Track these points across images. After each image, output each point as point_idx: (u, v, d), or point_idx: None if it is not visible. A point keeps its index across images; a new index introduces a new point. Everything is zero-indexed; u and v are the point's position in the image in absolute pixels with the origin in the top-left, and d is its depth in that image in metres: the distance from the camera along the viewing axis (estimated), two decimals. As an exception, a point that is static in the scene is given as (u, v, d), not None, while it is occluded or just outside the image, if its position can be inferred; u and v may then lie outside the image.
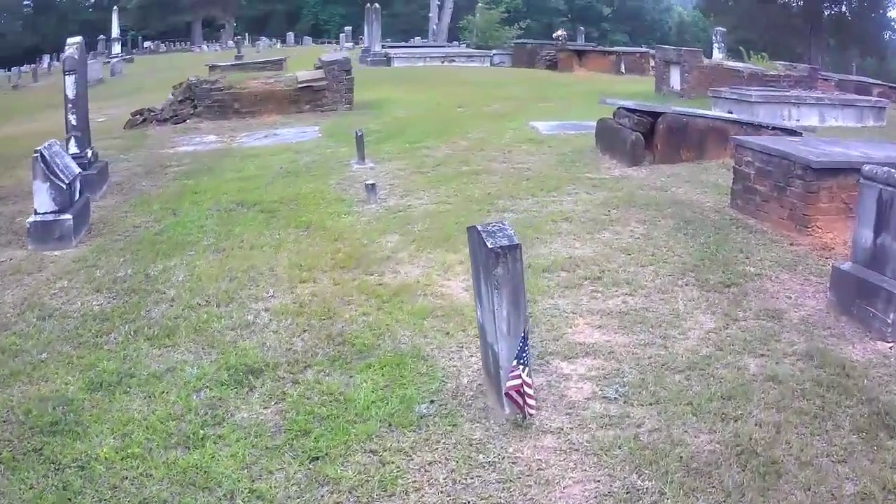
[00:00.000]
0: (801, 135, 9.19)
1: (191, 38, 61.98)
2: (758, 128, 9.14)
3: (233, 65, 24.45)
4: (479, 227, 3.48)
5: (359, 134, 9.31)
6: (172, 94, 14.69)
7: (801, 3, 38.87)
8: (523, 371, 3.23)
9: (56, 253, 6.75)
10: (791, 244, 6.14)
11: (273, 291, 5.43)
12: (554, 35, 24.63)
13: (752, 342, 4.45)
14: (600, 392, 3.85)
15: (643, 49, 24.11)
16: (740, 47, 17.65)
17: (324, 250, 6.22)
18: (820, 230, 6.24)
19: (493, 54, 25.63)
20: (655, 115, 8.61)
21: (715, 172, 8.43)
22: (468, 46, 28.31)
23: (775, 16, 39.77)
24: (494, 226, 3.50)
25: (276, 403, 3.97)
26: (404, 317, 4.78)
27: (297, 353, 4.43)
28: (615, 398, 3.79)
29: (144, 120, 14.25)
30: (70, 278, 6.09)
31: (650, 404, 3.74)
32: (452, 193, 7.74)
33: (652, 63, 22.12)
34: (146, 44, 58.68)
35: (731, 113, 9.16)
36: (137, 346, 4.80)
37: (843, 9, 40.58)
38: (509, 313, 3.36)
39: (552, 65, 22.50)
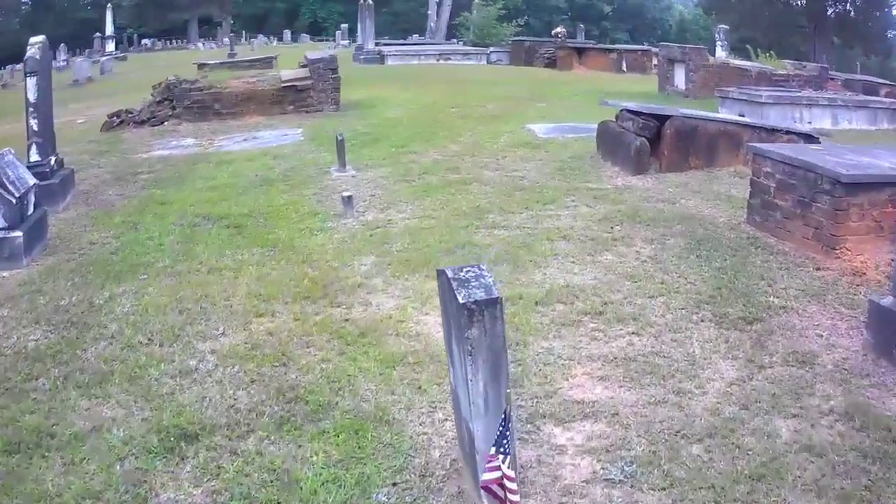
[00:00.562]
0: (818, 140, 8.49)
1: (187, 35, 61.46)
2: (772, 132, 8.43)
3: (222, 63, 23.78)
4: (450, 272, 2.78)
5: (339, 139, 8.61)
6: (152, 95, 14.00)
7: (804, 2, 38.04)
8: (504, 462, 2.53)
9: (5, 274, 6.07)
10: (817, 269, 5.44)
11: (224, 328, 4.72)
12: (553, 32, 23.80)
13: (782, 397, 3.75)
14: (602, 471, 3.14)
15: (645, 47, 23.34)
16: (747, 46, 16.93)
17: (288, 276, 5.51)
18: (849, 252, 5.53)
19: (491, 52, 24.84)
20: (662, 119, 7.90)
21: (727, 182, 7.73)
22: (465, 44, 27.48)
23: (778, 14, 39.01)
24: (469, 270, 2.79)
25: (208, 481, 3.26)
26: (370, 364, 4.07)
27: (240, 413, 3.72)
28: (620, 480, 3.09)
29: (122, 122, 13.54)
30: (12, 305, 5.41)
31: (663, 489, 3.03)
32: (438, 206, 7.03)
33: (654, 61, 21.40)
34: (144, 41, 58.13)
35: (744, 116, 8.45)
36: (66, 396, 4.11)
37: (848, 7, 39.76)
38: (487, 386, 2.66)
39: (551, 63, 21.75)
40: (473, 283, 2.68)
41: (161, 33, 62.15)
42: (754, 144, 6.43)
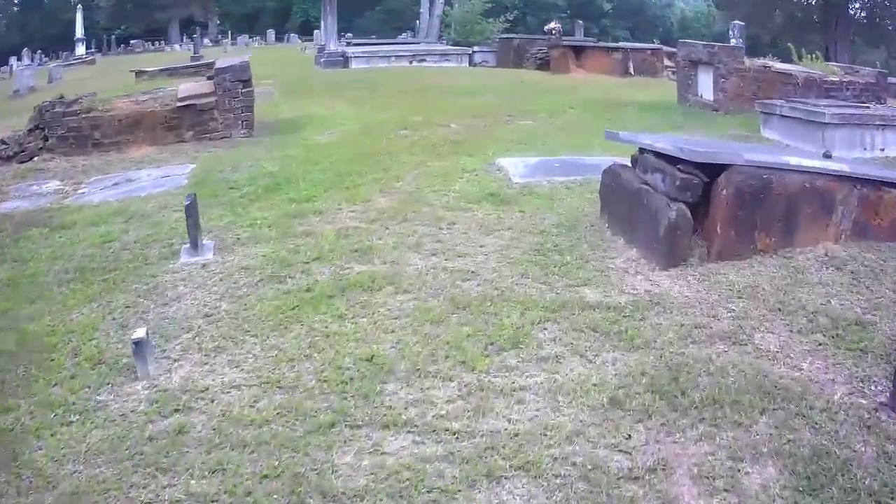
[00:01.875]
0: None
1: (167, 36, 59.05)
2: (877, 186, 5.21)
3: (162, 69, 20.53)
4: None
5: (188, 203, 5.40)
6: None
7: None
8: None
9: None
10: None
11: None
12: (546, 28, 20.46)
13: None
14: None
15: (655, 45, 19.98)
16: (789, 45, 13.66)
17: None
18: None
19: (474, 51, 21.46)
20: (714, 170, 4.67)
21: (819, 278, 4.52)
22: (446, 43, 24.02)
23: (794, 9, 35.59)
24: None
25: None
26: None
27: None
28: None
29: (-12, 157, 10.36)
30: None
31: None
32: (303, 352, 3.82)
33: (666, 62, 18.18)
34: (133, 42, 55.75)
35: (830, 156, 5.24)
36: None
37: (871, 2, 36.20)
38: None
39: (543, 64, 18.48)
40: None
41: (148, 33, 60.12)
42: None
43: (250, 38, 58.15)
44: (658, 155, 4.93)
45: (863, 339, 3.83)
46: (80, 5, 49.08)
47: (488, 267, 4.79)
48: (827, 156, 5.30)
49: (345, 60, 19.12)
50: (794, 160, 4.86)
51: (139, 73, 20.52)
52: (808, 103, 9.02)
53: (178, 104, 9.56)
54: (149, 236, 6.01)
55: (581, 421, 3.07)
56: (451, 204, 6.17)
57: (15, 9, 65.60)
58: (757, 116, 9.83)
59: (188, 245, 5.53)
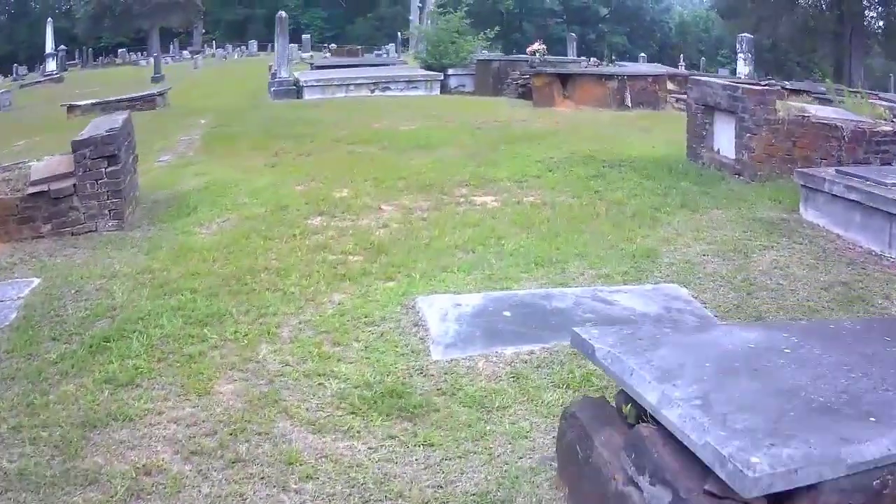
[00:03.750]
0: None
1: (148, 46, 57.25)
2: None
3: (96, 103, 17.91)
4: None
5: None
6: None
7: (839, 8, 31.65)
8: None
9: None
10: None
11: None
12: (528, 50, 17.93)
13: None
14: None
15: (656, 70, 17.36)
16: (827, 80, 11.23)
17: None
18: None
19: (449, 75, 18.85)
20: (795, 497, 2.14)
21: None
22: (420, 63, 21.24)
23: (805, 18, 33.05)
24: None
25: None
26: None
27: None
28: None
29: None
30: None
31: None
32: None
33: (669, 85, 15.72)
34: (120, 51, 53.89)
35: None
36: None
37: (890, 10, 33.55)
38: None
39: (527, 92, 15.98)
40: None
41: (134, 42, 58.71)
42: None
43: (234, 48, 55.96)
44: (665, 430, 2.40)
45: None
46: (50, 18, 47.02)
47: None
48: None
49: (298, 90, 16.59)
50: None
51: (71, 109, 17.95)
52: (868, 180, 6.50)
53: (30, 191, 7.08)
54: None
55: None
56: (321, 416, 3.66)
57: (3, 17, 64.45)
58: (793, 184, 7.37)
59: None
